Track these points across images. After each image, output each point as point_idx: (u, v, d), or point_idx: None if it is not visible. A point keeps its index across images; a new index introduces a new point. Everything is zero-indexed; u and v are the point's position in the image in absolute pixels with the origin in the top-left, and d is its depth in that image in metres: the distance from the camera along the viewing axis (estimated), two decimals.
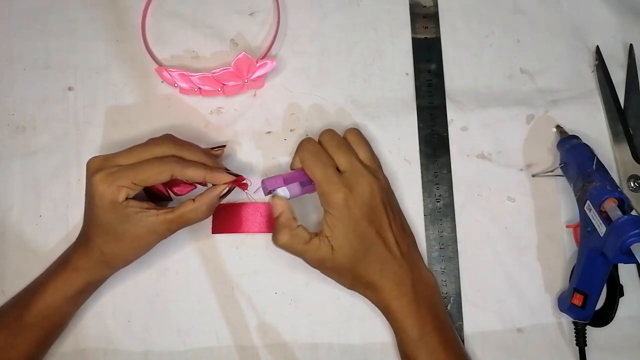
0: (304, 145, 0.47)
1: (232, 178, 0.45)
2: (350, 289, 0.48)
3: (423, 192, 0.53)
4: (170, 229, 0.46)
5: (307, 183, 0.47)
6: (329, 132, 0.48)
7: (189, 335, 0.50)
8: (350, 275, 0.47)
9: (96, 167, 0.44)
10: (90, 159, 0.45)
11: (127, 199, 0.43)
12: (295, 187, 0.47)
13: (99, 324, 0.50)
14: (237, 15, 0.56)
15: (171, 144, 0.45)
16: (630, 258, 0.42)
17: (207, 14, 0.56)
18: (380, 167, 0.50)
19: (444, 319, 0.48)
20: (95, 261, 0.46)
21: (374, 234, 0.46)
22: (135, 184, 0.43)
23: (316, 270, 0.47)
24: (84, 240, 0.46)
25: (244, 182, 0.46)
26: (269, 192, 0.46)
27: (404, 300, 0.46)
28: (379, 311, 0.48)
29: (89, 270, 0.46)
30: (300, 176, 0.47)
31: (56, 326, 0.47)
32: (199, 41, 0.55)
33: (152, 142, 0.46)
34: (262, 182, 0.47)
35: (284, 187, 0.46)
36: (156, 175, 0.43)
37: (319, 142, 0.48)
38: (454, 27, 0.57)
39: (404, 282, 0.47)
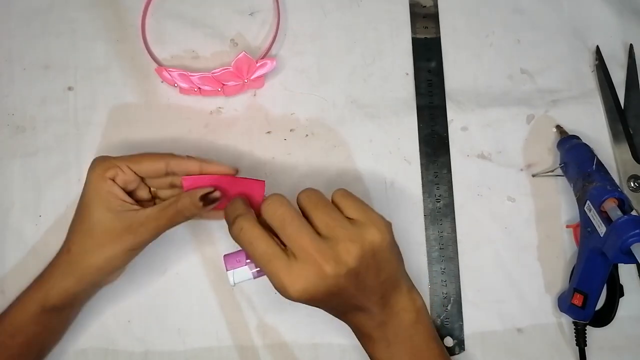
0: (277, 208, 0.39)
1: (227, 168, 0.44)
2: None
3: (423, 192, 0.53)
4: (147, 226, 0.42)
5: None
6: (308, 192, 0.41)
7: (189, 335, 0.50)
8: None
9: (101, 157, 0.44)
10: (97, 157, 0.45)
11: (113, 180, 0.42)
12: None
13: (99, 324, 0.50)
14: (237, 15, 0.56)
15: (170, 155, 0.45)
16: (630, 258, 0.42)
17: (207, 14, 0.56)
18: (375, 215, 0.40)
19: (438, 342, 0.44)
20: (59, 267, 0.43)
21: (375, 283, 0.40)
22: (128, 167, 0.43)
23: None
24: (61, 248, 0.44)
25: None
26: (229, 270, 0.41)
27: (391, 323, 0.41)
28: None
29: (49, 281, 0.43)
30: None
31: (24, 347, 0.43)
32: (199, 41, 0.55)
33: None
34: (224, 257, 0.41)
35: (246, 267, 0.40)
36: (151, 162, 0.43)
37: (299, 205, 0.41)
38: (454, 27, 0.57)
39: (395, 303, 0.42)
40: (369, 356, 0.43)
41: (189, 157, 0.44)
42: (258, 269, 0.41)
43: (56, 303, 0.43)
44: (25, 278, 0.49)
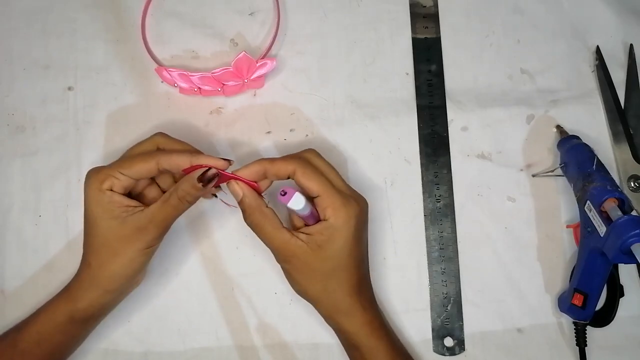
0: (301, 159, 0.44)
1: (218, 160, 0.43)
2: (313, 302, 0.45)
3: (423, 192, 0.53)
4: (155, 222, 0.43)
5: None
6: (315, 153, 0.46)
7: (189, 335, 0.50)
8: (320, 285, 0.44)
9: (93, 169, 0.44)
10: (89, 170, 0.44)
11: (112, 190, 0.42)
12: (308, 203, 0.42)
13: (99, 324, 0.50)
14: (237, 15, 0.56)
15: (160, 138, 0.45)
16: (630, 258, 0.42)
17: (207, 14, 0.56)
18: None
19: (395, 335, 0.48)
20: (84, 282, 0.44)
21: (364, 254, 0.45)
22: (121, 173, 0.42)
23: None
24: (81, 262, 0.45)
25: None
26: (284, 194, 0.41)
27: (374, 324, 0.45)
28: None
29: (77, 293, 0.44)
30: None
31: (49, 355, 0.44)
32: (199, 41, 0.55)
33: (143, 141, 0.46)
34: (282, 190, 0.41)
35: (301, 196, 0.41)
36: (141, 164, 0.43)
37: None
38: (454, 27, 0.57)
39: (373, 304, 0.46)
40: (367, 349, 0.45)
41: (177, 150, 0.44)
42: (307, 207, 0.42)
43: (85, 314, 0.44)
44: (25, 278, 0.49)
